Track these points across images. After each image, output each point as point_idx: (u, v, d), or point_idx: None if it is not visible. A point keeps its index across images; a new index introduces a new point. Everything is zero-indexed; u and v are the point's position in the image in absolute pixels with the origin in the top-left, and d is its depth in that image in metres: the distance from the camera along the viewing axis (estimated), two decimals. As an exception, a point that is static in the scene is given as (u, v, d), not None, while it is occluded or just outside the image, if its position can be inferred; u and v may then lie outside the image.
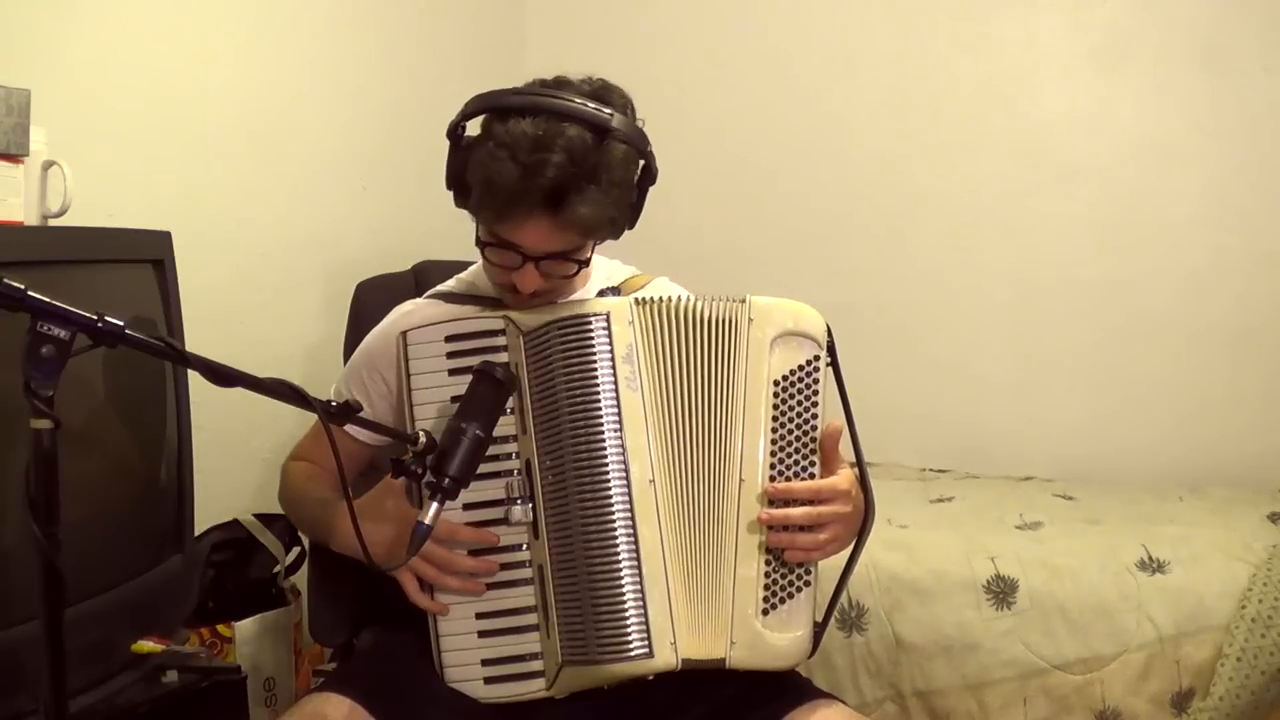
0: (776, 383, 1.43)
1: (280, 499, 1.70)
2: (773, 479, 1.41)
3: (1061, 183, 3.07)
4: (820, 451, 1.43)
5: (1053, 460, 3.07)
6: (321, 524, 1.56)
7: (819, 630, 1.44)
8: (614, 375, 1.42)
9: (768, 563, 1.40)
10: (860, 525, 1.47)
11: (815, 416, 1.43)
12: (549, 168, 1.35)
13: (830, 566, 1.47)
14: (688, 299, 1.47)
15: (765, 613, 1.40)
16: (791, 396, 1.43)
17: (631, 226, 1.51)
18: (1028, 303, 3.11)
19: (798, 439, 1.42)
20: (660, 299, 1.47)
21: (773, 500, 1.41)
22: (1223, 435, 2.97)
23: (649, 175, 1.48)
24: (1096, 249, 3.05)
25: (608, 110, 1.41)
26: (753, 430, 1.42)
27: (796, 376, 1.43)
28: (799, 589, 1.41)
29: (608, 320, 1.43)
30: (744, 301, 1.45)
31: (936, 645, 2.22)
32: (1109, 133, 3.04)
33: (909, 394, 3.13)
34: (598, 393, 1.41)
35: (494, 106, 1.42)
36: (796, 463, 1.42)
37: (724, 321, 1.45)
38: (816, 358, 1.44)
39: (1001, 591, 2.22)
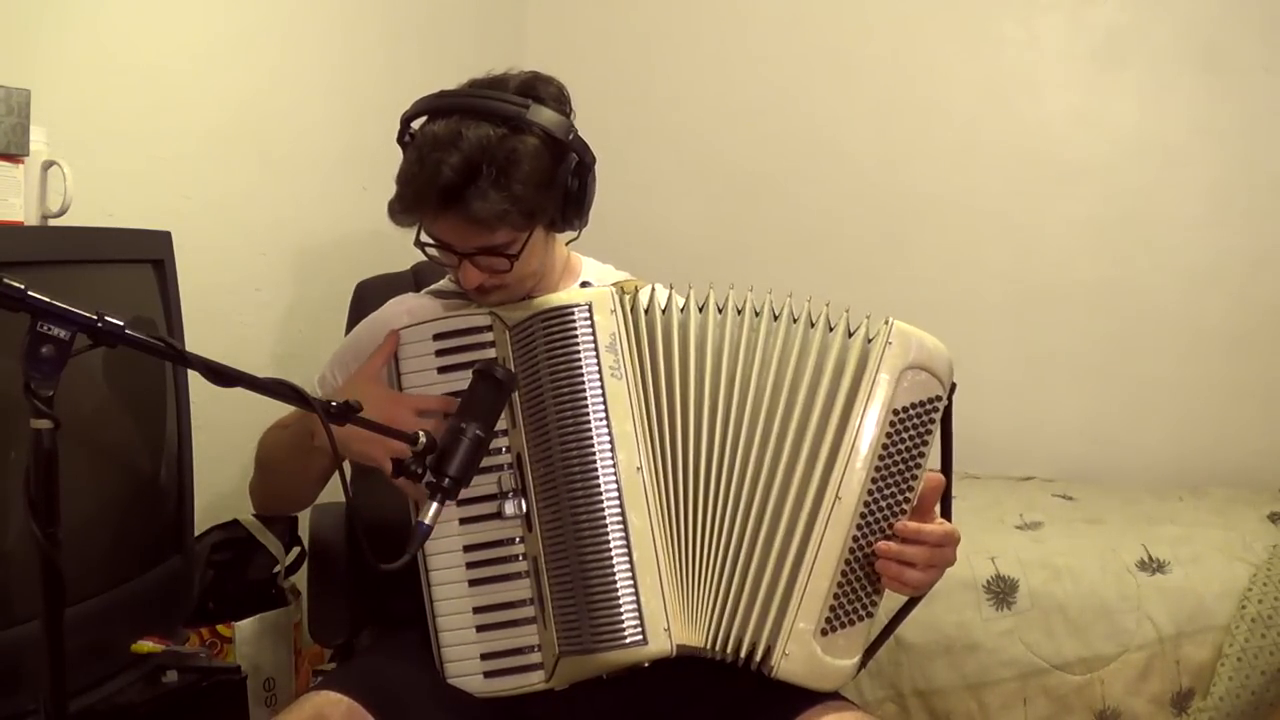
0: (896, 411, 1.40)
1: (257, 460, 1.64)
2: (868, 504, 1.39)
3: (1061, 183, 3.07)
4: (921, 501, 1.41)
5: (1053, 460, 3.07)
6: (303, 433, 1.48)
7: (861, 663, 1.43)
8: (598, 364, 1.42)
9: (840, 585, 1.38)
10: None
11: (923, 455, 1.41)
12: (444, 167, 1.40)
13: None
14: (815, 305, 1.46)
15: (824, 633, 1.38)
16: (907, 430, 1.40)
17: (576, 215, 1.51)
18: (1028, 303, 3.11)
19: (900, 473, 1.40)
20: (670, 295, 1.47)
21: (895, 535, 1.39)
22: (1223, 435, 2.97)
23: (583, 165, 1.48)
24: (1096, 249, 3.05)
25: (526, 102, 1.44)
26: (860, 451, 1.39)
27: (916, 411, 1.41)
28: (861, 618, 1.40)
29: (590, 310, 1.44)
30: (886, 323, 1.43)
31: (936, 645, 2.22)
32: (1109, 133, 3.04)
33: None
34: (581, 382, 1.42)
35: (423, 110, 1.49)
36: (893, 495, 1.40)
37: (845, 333, 1.44)
38: (939, 398, 1.42)
39: (1001, 591, 2.22)
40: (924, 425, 1.41)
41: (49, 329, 0.99)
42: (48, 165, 1.81)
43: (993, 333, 3.14)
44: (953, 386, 1.43)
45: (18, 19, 1.85)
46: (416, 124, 1.50)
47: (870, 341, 1.42)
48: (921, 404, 1.41)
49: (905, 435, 1.40)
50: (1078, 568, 2.23)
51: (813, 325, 1.44)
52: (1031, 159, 3.09)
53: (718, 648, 1.39)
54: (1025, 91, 3.11)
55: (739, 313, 1.46)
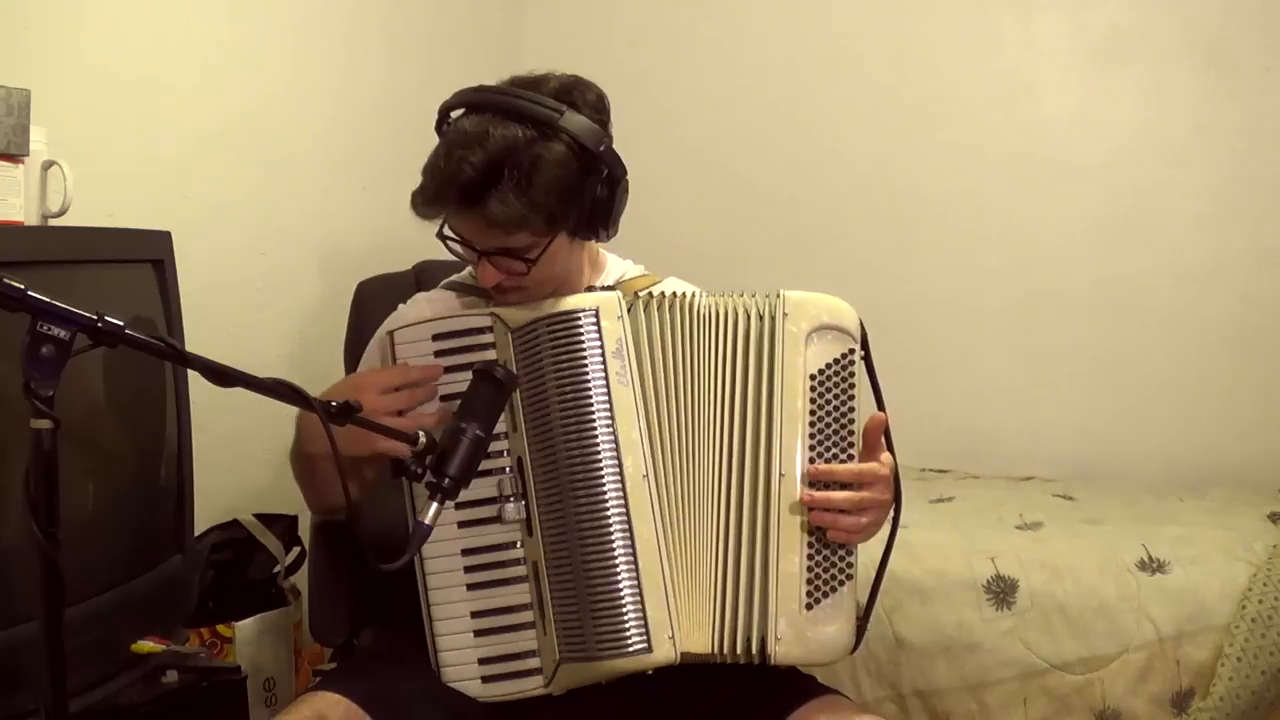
0: (813, 376, 1.42)
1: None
2: (812, 471, 1.41)
3: (1061, 183, 3.07)
4: (864, 440, 1.43)
5: (1053, 460, 3.07)
6: (302, 440, 1.51)
7: (861, 625, 1.43)
8: (605, 371, 1.42)
9: (810, 557, 1.40)
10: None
11: (852, 410, 1.43)
12: (465, 165, 1.39)
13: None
14: (712, 294, 1.46)
15: (809, 607, 1.39)
16: (829, 390, 1.42)
17: (602, 226, 1.49)
18: (1028, 303, 3.11)
19: (835, 433, 1.42)
20: (674, 294, 1.47)
21: (814, 482, 1.40)
22: (1223, 435, 2.97)
23: (613, 176, 1.46)
24: (1097, 249, 3.05)
25: (561, 107, 1.42)
26: (790, 425, 1.41)
27: (833, 370, 1.43)
28: (841, 583, 1.40)
29: (597, 315, 1.43)
30: (778, 296, 1.45)
31: (936, 645, 2.21)
32: (1109, 133, 3.04)
33: (909, 394, 3.10)
34: (589, 388, 1.41)
35: (461, 103, 1.47)
36: (835, 457, 1.42)
37: (757, 316, 1.45)
38: (851, 351, 1.44)
39: (1001, 591, 2.22)
40: (844, 381, 1.43)
41: (49, 329, 1.00)
42: (48, 165, 1.82)
43: (993, 333, 3.14)
44: (864, 335, 1.45)
45: (18, 19, 1.85)
46: (455, 115, 1.48)
47: (773, 319, 1.44)
48: (836, 361, 1.43)
49: (829, 395, 1.42)
50: (1078, 568, 2.23)
51: (735, 316, 1.45)
52: (1031, 159, 3.08)
53: (724, 650, 1.39)
54: (1025, 91, 3.11)
55: (697, 316, 1.45)
